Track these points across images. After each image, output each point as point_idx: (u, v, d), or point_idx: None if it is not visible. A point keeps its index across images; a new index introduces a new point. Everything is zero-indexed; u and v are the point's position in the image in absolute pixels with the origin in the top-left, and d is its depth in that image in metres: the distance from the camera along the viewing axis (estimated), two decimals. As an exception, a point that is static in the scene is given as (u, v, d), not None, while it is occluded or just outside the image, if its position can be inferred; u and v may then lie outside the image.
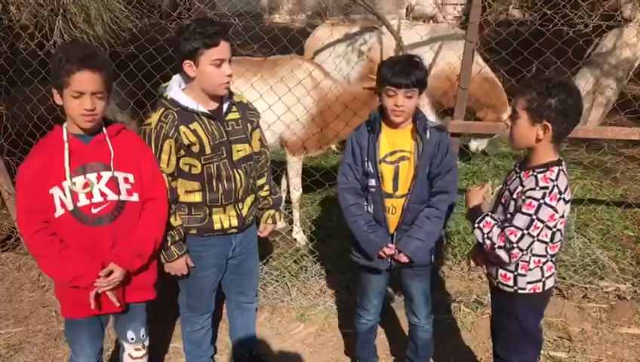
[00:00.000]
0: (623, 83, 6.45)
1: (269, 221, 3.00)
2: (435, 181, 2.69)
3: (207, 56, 2.45)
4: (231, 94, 2.71)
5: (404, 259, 2.70)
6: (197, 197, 2.66)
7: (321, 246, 4.30)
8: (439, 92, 5.22)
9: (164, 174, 2.57)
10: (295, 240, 4.51)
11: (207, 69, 2.47)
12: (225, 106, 2.66)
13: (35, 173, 2.31)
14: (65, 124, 2.38)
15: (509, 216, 2.27)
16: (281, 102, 3.96)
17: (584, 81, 6.53)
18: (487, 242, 2.25)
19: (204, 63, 2.47)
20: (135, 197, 2.44)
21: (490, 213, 2.30)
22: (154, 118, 2.55)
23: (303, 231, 4.57)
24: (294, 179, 4.38)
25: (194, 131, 2.54)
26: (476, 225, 2.29)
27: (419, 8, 11.89)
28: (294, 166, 4.33)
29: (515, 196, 2.25)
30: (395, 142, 2.69)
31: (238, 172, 2.67)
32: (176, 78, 2.62)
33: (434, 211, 2.68)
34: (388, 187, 2.70)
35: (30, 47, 4.00)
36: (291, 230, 4.59)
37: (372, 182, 2.70)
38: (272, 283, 4.00)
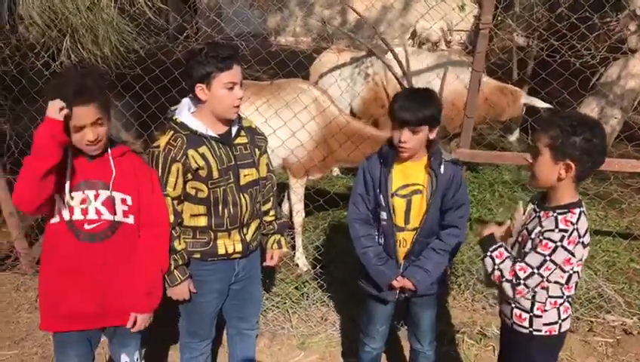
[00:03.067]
0: (628, 113, 6.44)
1: (275, 246, 2.96)
2: (446, 214, 2.69)
3: (219, 79, 2.46)
4: (239, 119, 2.71)
5: (409, 284, 2.70)
6: (202, 221, 2.64)
7: (324, 272, 4.24)
8: (445, 120, 5.19)
9: (168, 198, 2.56)
10: (297, 265, 4.45)
11: (220, 92, 2.48)
12: (233, 130, 2.65)
13: None
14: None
15: (524, 252, 2.22)
16: (286, 126, 3.94)
17: (589, 110, 6.51)
18: (497, 273, 2.21)
19: (216, 87, 2.47)
20: (131, 220, 2.46)
21: (504, 245, 2.26)
22: (162, 140, 2.55)
23: (305, 257, 4.51)
24: (297, 204, 4.34)
25: (202, 155, 2.53)
26: (488, 253, 2.24)
27: (424, 34, 11.95)
28: (297, 190, 4.29)
29: (532, 236, 2.19)
30: (409, 176, 2.67)
31: (244, 196, 2.65)
32: (186, 102, 2.62)
33: (441, 244, 2.69)
34: (399, 220, 2.69)
35: (37, 67, 3.99)
36: (293, 255, 4.54)
37: (383, 215, 2.69)
38: (272, 309, 3.94)
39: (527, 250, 2.20)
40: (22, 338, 3.73)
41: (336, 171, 6.08)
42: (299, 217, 4.39)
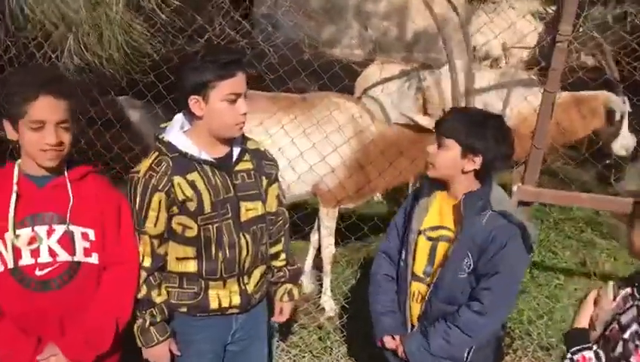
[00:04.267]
0: None
1: (285, 298, 2.45)
2: (479, 282, 2.11)
3: (219, 90, 1.98)
4: (243, 139, 2.21)
5: (400, 350, 2.24)
6: (190, 267, 2.14)
7: (352, 323, 3.61)
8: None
9: (146, 236, 2.07)
10: (323, 309, 3.84)
11: (219, 105, 2.00)
12: (235, 153, 2.16)
13: None
14: (18, 161, 1.92)
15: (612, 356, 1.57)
16: (315, 149, 3.39)
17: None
18: None
19: (215, 99, 1.99)
20: (94, 259, 1.96)
21: (594, 346, 1.62)
22: (144, 164, 2.08)
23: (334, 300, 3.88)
24: (326, 238, 3.73)
25: (191, 183, 2.05)
26: (569, 355, 1.66)
27: (485, 50, 11.22)
28: (327, 223, 3.68)
29: (626, 336, 1.54)
30: (444, 216, 2.19)
31: (244, 236, 2.15)
32: (179, 118, 2.14)
33: (454, 317, 2.11)
34: (418, 266, 2.22)
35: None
36: (319, 297, 3.93)
37: (403, 254, 2.26)
38: (288, 363, 3.36)
39: (617, 354, 1.56)
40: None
41: (377, 197, 5.42)
42: (328, 253, 3.79)
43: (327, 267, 3.81)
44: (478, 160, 2.06)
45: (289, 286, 2.45)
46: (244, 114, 2.05)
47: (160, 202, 2.04)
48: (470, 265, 2.09)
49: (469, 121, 2.07)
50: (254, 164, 2.21)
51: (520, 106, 4.07)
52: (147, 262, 2.09)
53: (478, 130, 2.04)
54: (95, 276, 1.98)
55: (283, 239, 2.42)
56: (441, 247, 2.17)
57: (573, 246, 4.75)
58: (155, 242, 2.09)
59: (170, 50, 3.49)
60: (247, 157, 2.20)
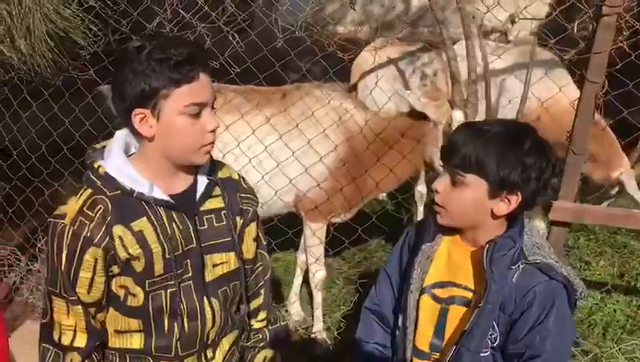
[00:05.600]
0: None
1: None
2: None
3: (175, 100, 1.43)
4: (212, 165, 1.62)
5: None
6: (135, 342, 1.59)
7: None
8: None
9: (78, 307, 1.49)
10: (315, 338, 3.23)
11: (177, 121, 1.45)
12: (200, 187, 1.58)
13: None
14: None
15: None
16: (295, 157, 2.76)
17: None
18: None
19: (171, 112, 1.44)
20: None
21: None
22: (71, 207, 1.49)
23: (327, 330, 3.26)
24: (314, 265, 3.09)
25: (138, 235, 1.48)
26: None
27: (491, 23, 10.50)
28: (313, 246, 3.04)
29: None
30: (457, 270, 1.61)
31: (210, 302, 1.60)
32: (120, 137, 1.54)
33: None
34: (422, 338, 1.64)
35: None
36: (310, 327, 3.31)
37: (399, 319, 1.68)
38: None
39: None
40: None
41: (382, 196, 4.76)
42: (317, 280, 3.15)
43: (317, 297, 3.19)
44: (515, 199, 1.45)
45: (269, 353, 1.85)
46: (213, 131, 1.47)
47: (96, 261, 1.47)
48: (497, 338, 1.53)
49: (497, 143, 1.43)
50: (225, 200, 1.62)
51: (543, 93, 3.39)
52: (81, 341, 1.52)
53: (512, 155, 1.42)
54: None
55: (263, 292, 1.83)
56: (455, 313, 1.59)
57: (607, 252, 4.07)
58: (91, 311, 1.52)
59: (115, 40, 2.83)
60: (216, 191, 1.61)
